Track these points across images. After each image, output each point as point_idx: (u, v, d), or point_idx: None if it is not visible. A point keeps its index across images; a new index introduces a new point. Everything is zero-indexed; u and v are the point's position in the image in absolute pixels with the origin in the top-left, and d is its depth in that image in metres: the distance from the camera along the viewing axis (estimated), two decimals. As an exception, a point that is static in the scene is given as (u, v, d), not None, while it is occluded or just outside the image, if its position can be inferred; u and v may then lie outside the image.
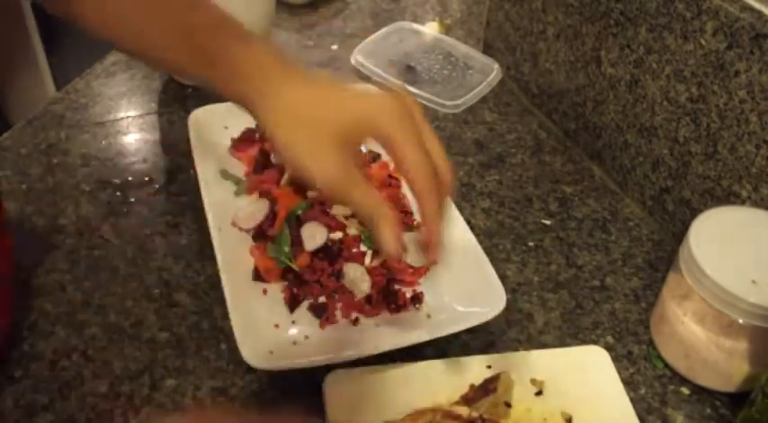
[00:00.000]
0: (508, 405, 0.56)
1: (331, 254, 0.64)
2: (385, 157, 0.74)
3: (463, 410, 0.54)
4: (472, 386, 0.56)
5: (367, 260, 0.64)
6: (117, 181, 0.77)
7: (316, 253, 0.64)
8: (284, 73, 0.52)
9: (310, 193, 0.68)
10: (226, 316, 0.59)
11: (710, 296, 0.55)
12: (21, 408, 0.57)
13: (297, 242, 0.64)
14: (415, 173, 0.49)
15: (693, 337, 0.58)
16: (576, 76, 0.82)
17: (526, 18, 0.87)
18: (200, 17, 0.55)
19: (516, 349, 0.63)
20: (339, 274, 0.63)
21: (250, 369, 0.57)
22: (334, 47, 1.00)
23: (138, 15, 0.56)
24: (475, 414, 0.54)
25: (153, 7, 0.56)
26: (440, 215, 0.51)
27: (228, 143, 0.75)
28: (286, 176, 0.69)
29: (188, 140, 0.74)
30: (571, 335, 0.65)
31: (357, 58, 0.95)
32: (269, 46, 0.55)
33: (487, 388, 0.56)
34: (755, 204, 0.64)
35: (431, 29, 1.02)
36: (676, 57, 0.68)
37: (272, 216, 0.67)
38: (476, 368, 0.58)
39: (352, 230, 0.65)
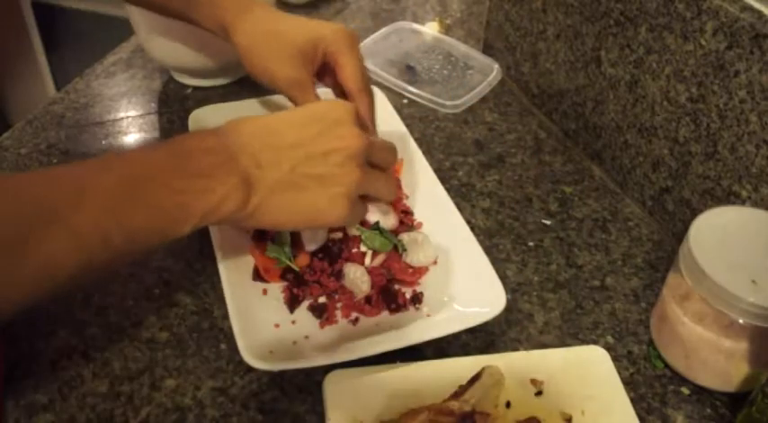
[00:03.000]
0: (508, 405, 0.56)
1: (331, 254, 0.64)
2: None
3: (454, 405, 0.54)
4: (461, 386, 0.57)
5: (367, 260, 0.64)
6: (117, 181, 0.77)
7: (316, 253, 0.64)
8: (253, 9, 0.67)
9: None
10: (226, 316, 0.59)
11: (710, 296, 0.55)
12: (21, 408, 0.57)
13: (297, 242, 0.64)
14: (355, 75, 0.66)
15: (693, 337, 0.58)
16: (576, 76, 0.82)
17: (526, 18, 0.87)
18: None
19: (516, 349, 0.63)
20: (339, 275, 0.63)
21: (250, 369, 0.57)
22: (334, 47, 1.00)
23: None
24: (467, 408, 0.54)
25: None
26: (372, 107, 0.68)
27: (228, 143, 0.75)
28: None
29: (188, 140, 0.74)
30: (571, 335, 0.65)
31: (357, 58, 0.95)
32: None
33: (473, 380, 0.56)
34: (755, 204, 0.64)
35: (431, 29, 1.02)
36: (676, 57, 0.68)
37: (272, 216, 0.67)
38: (475, 368, 0.58)
39: (353, 231, 0.65)
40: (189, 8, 0.68)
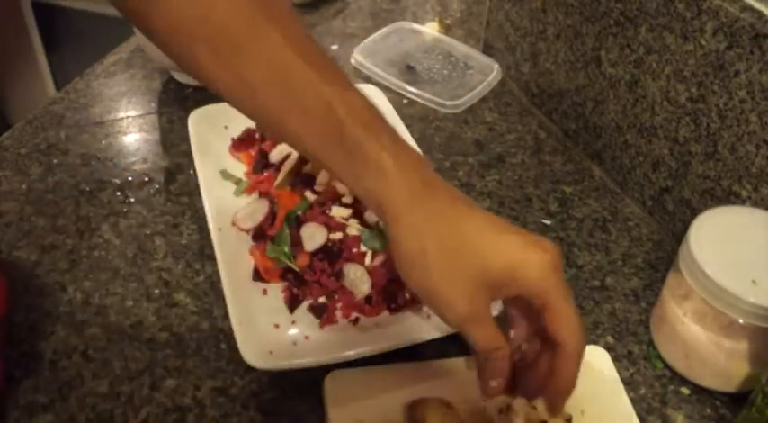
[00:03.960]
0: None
1: (331, 254, 0.64)
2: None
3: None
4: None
5: (367, 260, 0.64)
6: (117, 181, 0.77)
7: (316, 253, 0.64)
8: (429, 195, 0.49)
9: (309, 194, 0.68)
10: (226, 316, 0.59)
11: (710, 296, 0.55)
12: (21, 408, 0.57)
13: (297, 242, 0.64)
14: (570, 334, 0.47)
15: (693, 337, 0.58)
16: (576, 76, 0.82)
17: (526, 18, 0.87)
18: (344, 109, 0.49)
19: (516, 349, 0.63)
20: (339, 275, 0.63)
21: (250, 369, 0.57)
22: (334, 47, 1.00)
23: (277, 95, 0.50)
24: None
25: (293, 91, 0.50)
26: (575, 378, 0.50)
27: (228, 143, 0.75)
28: (280, 177, 0.69)
29: (188, 140, 0.74)
30: (571, 335, 0.65)
31: (357, 58, 0.95)
32: (414, 155, 0.50)
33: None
34: (755, 204, 0.64)
35: (431, 29, 1.02)
36: (676, 57, 0.68)
37: (271, 216, 0.67)
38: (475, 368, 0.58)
39: (352, 231, 0.65)
40: (343, 169, 0.50)
